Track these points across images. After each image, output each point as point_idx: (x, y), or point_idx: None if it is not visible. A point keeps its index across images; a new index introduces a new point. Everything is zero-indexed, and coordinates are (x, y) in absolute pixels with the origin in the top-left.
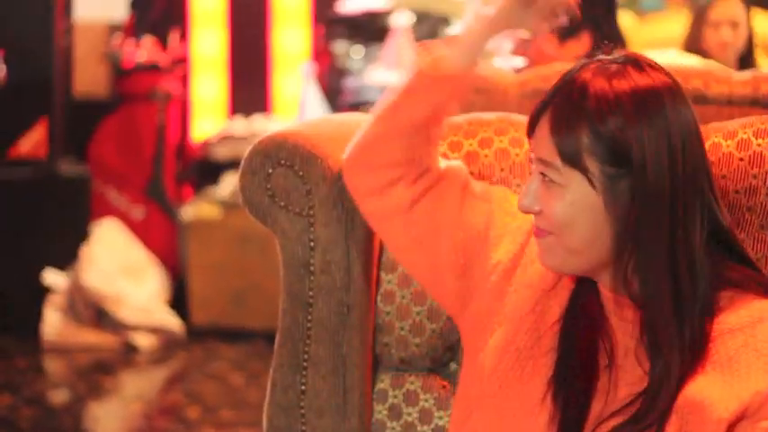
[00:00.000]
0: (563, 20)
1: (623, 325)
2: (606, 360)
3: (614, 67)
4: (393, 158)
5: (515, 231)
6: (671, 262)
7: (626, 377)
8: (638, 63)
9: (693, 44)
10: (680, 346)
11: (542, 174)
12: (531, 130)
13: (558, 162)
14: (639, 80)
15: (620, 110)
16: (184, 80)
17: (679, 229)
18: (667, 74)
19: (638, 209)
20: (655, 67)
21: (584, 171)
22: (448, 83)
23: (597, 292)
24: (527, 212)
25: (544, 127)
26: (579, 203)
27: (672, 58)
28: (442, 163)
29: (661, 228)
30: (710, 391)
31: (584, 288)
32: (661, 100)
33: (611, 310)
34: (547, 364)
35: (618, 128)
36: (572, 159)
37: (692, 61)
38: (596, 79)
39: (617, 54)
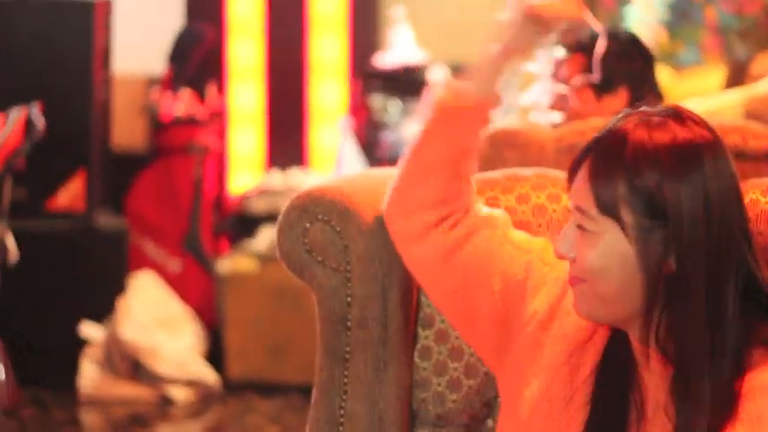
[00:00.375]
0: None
1: (653, 378)
2: (636, 413)
3: (656, 119)
4: (426, 200)
5: (553, 282)
6: (702, 318)
7: (655, 431)
8: (680, 116)
9: None
10: (708, 402)
11: (578, 223)
12: (571, 179)
13: (593, 211)
14: (679, 133)
15: (658, 163)
16: (222, 133)
17: (712, 285)
18: (709, 128)
19: (671, 263)
20: (696, 120)
21: (618, 220)
22: (469, 114)
23: (629, 345)
24: (562, 258)
25: (583, 175)
26: (612, 252)
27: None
28: (485, 210)
29: (693, 283)
30: None
31: (617, 341)
32: (700, 155)
33: (642, 363)
34: (580, 417)
35: (654, 181)
36: (607, 208)
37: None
38: (637, 130)
39: (660, 107)
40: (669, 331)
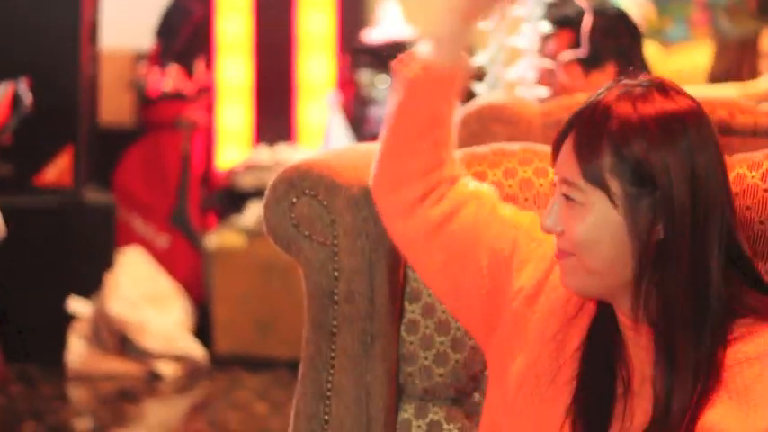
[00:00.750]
0: (584, 51)
1: (640, 352)
2: (623, 387)
3: (639, 90)
4: (409, 172)
5: (540, 258)
6: (690, 285)
7: (642, 404)
8: (663, 87)
9: (736, 74)
10: (694, 371)
11: (565, 195)
12: (556, 151)
13: (580, 182)
14: (664, 104)
15: (645, 133)
16: (209, 109)
17: (698, 251)
18: (692, 98)
19: (660, 230)
20: (679, 91)
21: (605, 190)
22: (439, 83)
23: (616, 319)
24: (549, 233)
25: (568, 147)
26: (601, 223)
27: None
28: (472, 185)
29: (682, 250)
30: (727, 420)
31: (603, 316)
32: (685, 124)
33: (629, 337)
34: (566, 392)
35: (642, 150)
36: (594, 178)
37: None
38: (621, 102)
39: (642, 78)
40: (657, 301)
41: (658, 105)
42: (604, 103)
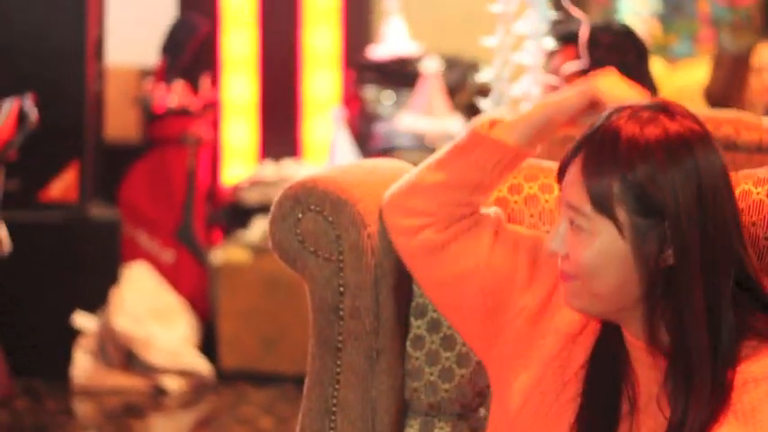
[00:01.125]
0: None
1: (647, 372)
2: (628, 406)
3: (646, 114)
4: (429, 209)
5: (543, 277)
6: (701, 309)
7: (648, 423)
8: (669, 110)
9: (727, 89)
10: (703, 394)
11: (571, 220)
12: (562, 174)
13: (587, 208)
14: (670, 127)
15: (650, 157)
16: (215, 125)
17: (709, 276)
18: (698, 122)
19: (667, 257)
20: (686, 114)
21: (613, 219)
22: (497, 149)
23: (622, 337)
24: (553, 256)
25: (575, 171)
26: (607, 252)
27: None
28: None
29: (692, 277)
30: None
31: (609, 334)
32: (691, 147)
33: (636, 357)
34: (571, 410)
35: (647, 175)
36: (602, 206)
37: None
38: (628, 126)
39: (649, 101)
40: (667, 324)
41: (664, 128)
42: (613, 127)
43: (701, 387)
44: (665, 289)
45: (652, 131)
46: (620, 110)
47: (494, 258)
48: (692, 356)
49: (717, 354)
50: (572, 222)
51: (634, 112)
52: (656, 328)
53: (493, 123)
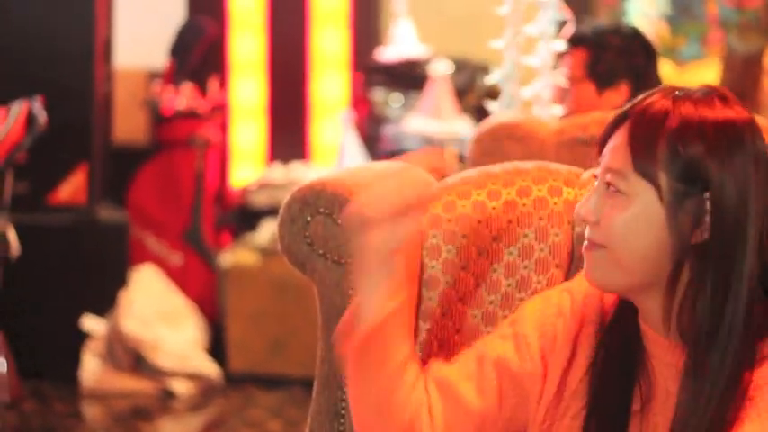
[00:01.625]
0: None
1: (665, 369)
2: (640, 404)
3: (699, 94)
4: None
5: (530, 377)
6: (726, 295)
7: (663, 422)
8: (724, 96)
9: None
10: (726, 389)
11: (608, 183)
12: (605, 140)
13: (629, 171)
14: (725, 111)
15: (704, 136)
16: (223, 127)
17: (739, 263)
18: (747, 110)
19: (702, 232)
20: (736, 101)
21: (654, 183)
22: (380, 342)
23: (638, 330)
24: (584, 221)
25: (620, 137)
26: (643, 216)
27: None
28: (430, 387)
29: (723, 258)
30: None
31: (625, 326)
32: (742, 134)
33: (654, 354)
34: (579, 405)
35: (699, 152)
36: (645, 171)
37: None
38: (682, 102)
39: (700, 86)
40: (691, 310)
41: (719, 112)
42: (664, 100)
43: (713, 378)
44: (693, 267)
45: (706, 111)
46: (664, 88)
47: (489, 406)
48: (703, 344)
49: (732, 345)
50: (609, 186)
51: (684, 92)
52: (675, 314)
53: (355, 335)
